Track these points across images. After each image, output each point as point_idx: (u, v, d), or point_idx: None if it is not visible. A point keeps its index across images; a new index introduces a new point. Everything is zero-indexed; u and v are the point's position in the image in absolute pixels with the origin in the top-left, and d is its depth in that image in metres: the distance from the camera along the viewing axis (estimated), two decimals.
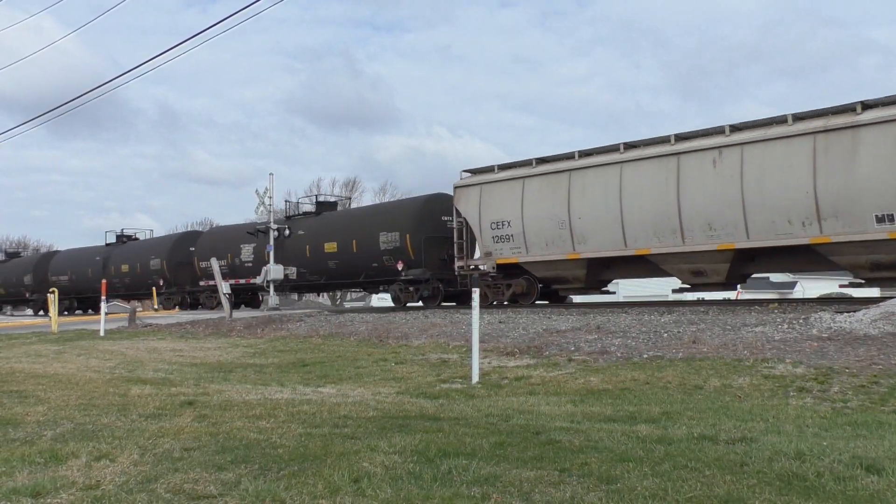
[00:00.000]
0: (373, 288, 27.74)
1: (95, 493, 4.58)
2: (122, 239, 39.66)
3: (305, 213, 29.14)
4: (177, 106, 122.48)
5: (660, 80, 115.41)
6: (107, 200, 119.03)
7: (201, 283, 31.67)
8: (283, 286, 28.83)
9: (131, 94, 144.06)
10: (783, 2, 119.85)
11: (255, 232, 28.19)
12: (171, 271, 33.89)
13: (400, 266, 23.18)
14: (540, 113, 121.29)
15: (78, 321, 27.65)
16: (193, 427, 6.63)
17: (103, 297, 21.42)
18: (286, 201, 31.50)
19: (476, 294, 10.16)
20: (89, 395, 8.90)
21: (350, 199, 29.93)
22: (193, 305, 33.53)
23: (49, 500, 4.52)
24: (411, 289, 23.24)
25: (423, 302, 23.08)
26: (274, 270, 26.94)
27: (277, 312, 24.49)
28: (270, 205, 27.75)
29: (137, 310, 29.96)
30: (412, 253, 23.01)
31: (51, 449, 5.78)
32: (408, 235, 23.15)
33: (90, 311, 37.96)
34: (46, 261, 42.43)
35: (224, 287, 23.82)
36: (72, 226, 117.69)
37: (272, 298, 27.19)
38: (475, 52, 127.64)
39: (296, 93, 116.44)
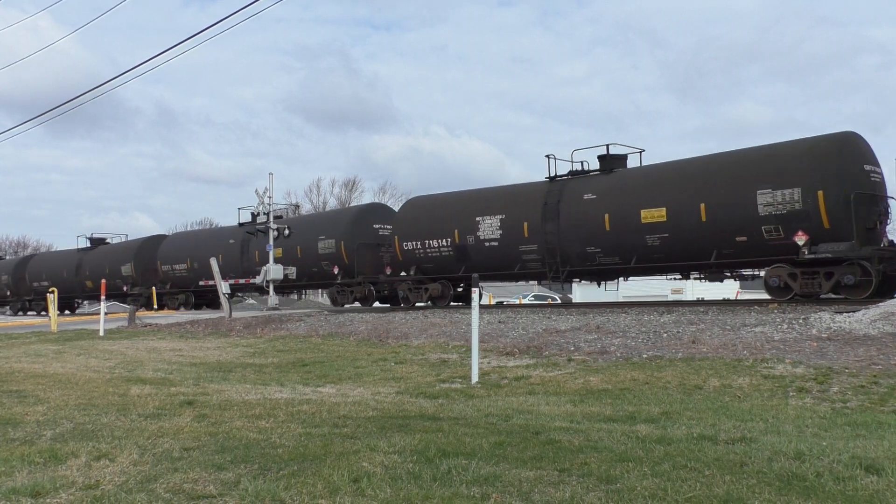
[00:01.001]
0: (717, 272, 18.75)
1: (95, 493, 4.58)
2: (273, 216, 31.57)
3: (574, 173, 20.41)
4: (174, 105, 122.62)
5: (658, 81, 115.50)
6: (106, 200, 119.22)
7: (402, 273, 23.13)
8: (580, 272, 20.24)
9: (129, 93, 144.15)
10: (781, 1, 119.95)
11: (255, 231, 28.07)
12: (352, 256, 25.24)
13: (801, 239, 15.81)
14: (539, 112, 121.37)
15: (78, 321, 27.63)
16: (193, 427, 6.63)
17: (103, 297, 21.40)
18: (548, 157, 20.70)
19: (476, 293, 10.12)
20: (89, 394, 8.90)
21: (643, 151, 20.52)
22: (387, 299, 25.47)
23: (49, 500, 4.52)
24: (821, 273, 15.82)
25: (843, 292, 15.84)
26: (273, 270, 26.89)
27: (277, 312, 24.48)
28: (270, 204, 27.73)
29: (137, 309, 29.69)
30: (826, 219, 15.54)
31: (50, 449, 5.78)
32: (821, 193, 15.59)
33: (205, 307, 31.86)
34: (153, 247, 34.84)
35: (224, 287, 23.72)
36: (71, 225, 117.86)
37: (272, 298, 27.17)
38: (473, 51, 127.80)
39: (294, 92, 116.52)
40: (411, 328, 15.79)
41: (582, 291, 41.76)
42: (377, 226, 25.93)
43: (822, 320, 11.79)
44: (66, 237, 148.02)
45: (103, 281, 23.75)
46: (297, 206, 67.13)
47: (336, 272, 25.43)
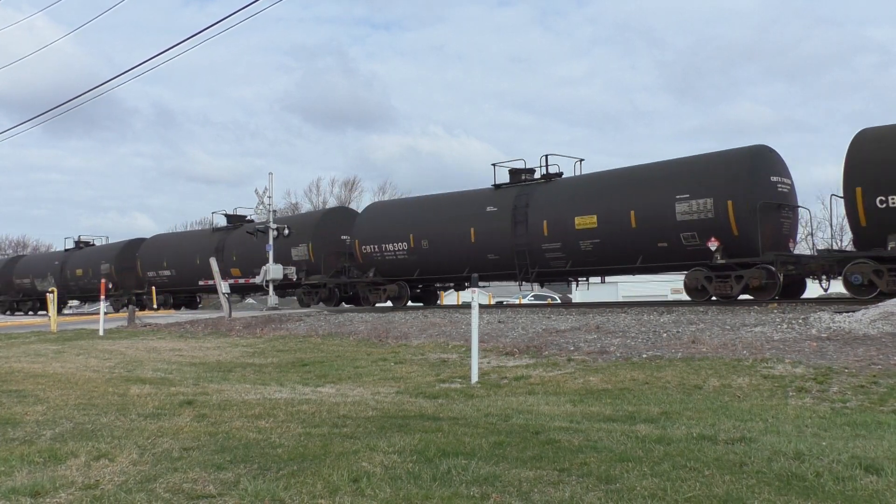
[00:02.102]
0: None
1: (94, 493, 4.58)
2: (534, 174, 21.22)
3: None
4: (172, 105, 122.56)
5: (656, 80, 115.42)
6: (105, 199, 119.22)
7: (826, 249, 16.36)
8: None
9: (126, 93, 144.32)
10: (780, 1, 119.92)
11: (255, 231, 28.07)
12: (746, 223, 16.56)
13: None
14: (538, 112, 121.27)
15: (77, 321, 27.60)
16: (192, 427, 6.63)
17: (102, 297, 21.34)
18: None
19: (475, 293, 10.12)
20: (88, 394, 8.90)
21: None
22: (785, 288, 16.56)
23: (48, 500, 4.52)
24: None
25: None
26: (273, 270, 26.90)
27: (277, 312, 24.46)
28: (270, 204, 27.73)
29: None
30: None
31: (50, 448, 5.78)
32: None
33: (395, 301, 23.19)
34: (339, 222, 26.91)
35: (223, 287, 23.68)
36: (71, 225, 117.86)
37: (271, 298, 27.18)
38: (472, 51, 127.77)
39: (292, 92, 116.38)
40: (411, 328, 15.79)
41: (581, 291, 41.70)
42: (775, 178, 16.98)
43: (821, 320, 11.79)
44: (64, 237, 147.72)
45: (103, 281, 23.50)
46: (295, 206, 66.95)
47: (714, 248, 16.56)
